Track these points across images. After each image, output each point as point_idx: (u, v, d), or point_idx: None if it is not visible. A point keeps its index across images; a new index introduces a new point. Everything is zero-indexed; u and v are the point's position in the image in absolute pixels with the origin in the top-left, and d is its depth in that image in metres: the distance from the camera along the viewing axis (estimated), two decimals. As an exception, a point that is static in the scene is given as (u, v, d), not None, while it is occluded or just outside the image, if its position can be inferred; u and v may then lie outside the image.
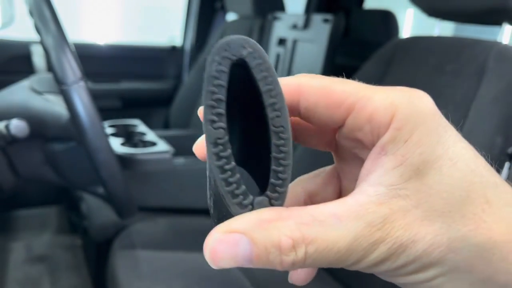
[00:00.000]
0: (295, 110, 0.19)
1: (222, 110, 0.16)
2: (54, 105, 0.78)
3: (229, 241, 0.16)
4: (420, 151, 0.16)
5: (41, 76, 0.86)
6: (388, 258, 0.16)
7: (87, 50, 1.64)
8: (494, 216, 0.16)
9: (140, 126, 1.10)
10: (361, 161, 0.19)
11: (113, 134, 1.03)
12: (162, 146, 0.95)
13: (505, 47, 0.72)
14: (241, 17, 1.69)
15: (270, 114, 0.16)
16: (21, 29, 1.13)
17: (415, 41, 0.88)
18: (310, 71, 1.35)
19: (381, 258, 0.16)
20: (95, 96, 0.71)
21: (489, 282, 0.16)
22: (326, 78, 0.18)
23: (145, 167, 0.89)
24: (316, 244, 0.16)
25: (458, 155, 0.17)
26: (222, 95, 0.16)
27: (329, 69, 1.23)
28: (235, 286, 0.80)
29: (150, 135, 1.04)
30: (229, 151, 0.16)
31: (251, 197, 0.16)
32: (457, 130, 0.18)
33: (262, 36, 1.51)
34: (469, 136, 0.82)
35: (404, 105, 0.17)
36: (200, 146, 0.20)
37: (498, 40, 0.78)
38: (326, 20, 1.25)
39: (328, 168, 0.23)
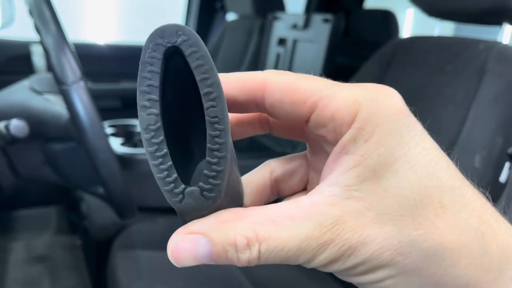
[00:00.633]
0: (261, 106, 0.19)
1: (155, 96, 0.16)
2: (54, 105, 0.78)
3: (189, 242, 0.17)
4: (379, 152, 0.16)
5: (41, 76, 0.86)
6: (337, 259, 0.16)
7: (87, 50, 1.64)
8: (447, 221, 0.16)
9: None
10: (327, 156, 0.18)
11: (113, 134, 1.03)
12: None
13: (505, 47, 0.72)
14: (241, 17, 1.69)
15: (205, 104, 0.15)
16: (21, 29, 1.13)
17: (415, 41, 0.88)
18: (310, 71, 1.36)
19: (330, 259, 0.16)
20: (95, 96, 0.71)
21: (438, 286, 0.16)
22: (293, 74, 0.18)
23: (145, 167, 0.89)
24: (268, 243, 0.16)
25: (417, 157, 0.16)
26: (155, 82, 0.16)
27: (329, 69, 1.23)
28: (235, 287, 0.80)
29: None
30: (161, 137, 0.15)
31: (182, 185, 0.16)
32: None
33: (262, 36, 1.51)
34: (469, 136, 0.82)
35: (368, 103, 0.16)
36: None
37: (498, 40, 0.78)
38: (326, 20, 1.25)
39: (301, 154, 0.23)
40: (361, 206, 0.16)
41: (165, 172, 0.15)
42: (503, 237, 0.16)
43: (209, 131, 0.15)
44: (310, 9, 1.59)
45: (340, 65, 1.36)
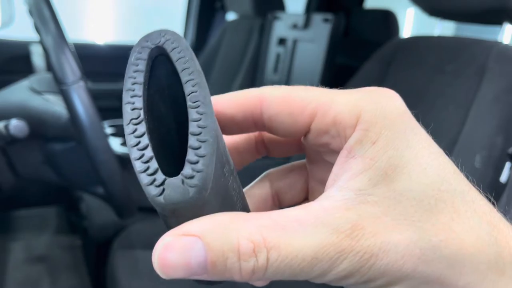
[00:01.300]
0: (259, 123, 0.18)
1: (139, 92, 0.16)
2: (54, 105, 0.78)
3: (181, 246, 0.14)
4: (389, 154, 0.15)
5: (41, 76, 0.86)
6: (358, 271, 0.14)
7: (87, 50, 1.64)
8: (463, 226, 0.15)
9: None
10: (329, 165, 0.18)
11: (113, 134, 1.03)
12: None
13: (506, 47, 0.72)
14: (241, 17, 1.68)
15: (187, 90, 0.15)
16: (21, 29, 1.13)
17: (416, 41, 0.88)
18: (310, 71, 1.36)
19: (349, 271, 0.14)
20: (95, 96, 0.70)
21: None
22: (288, 87, 0.18)
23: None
24: (279, 249, 0.14)
25: (427, 161, 0.16)
26: (139, 79, 0.16)
27: (329, 69, 1.23)
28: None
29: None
30: (143, 131, 0.15)
31: (163, 177, 0.14)
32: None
33: (262, 35, 1.51)
34: (469, 136, 0.82)
35: (370, 106, 0.16)
36: None
37: (499, 39, 0.78)
38: (326, 20, 1.25)
39: (299, 163, 0.23)
40: (377, 210, 0.15)
41: (145, 165, 0.15)
42: None
43: (190, 117, 0.15)
44: (310, 9, 1.59)
45: (340, 65, 1.36)
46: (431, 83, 0.80)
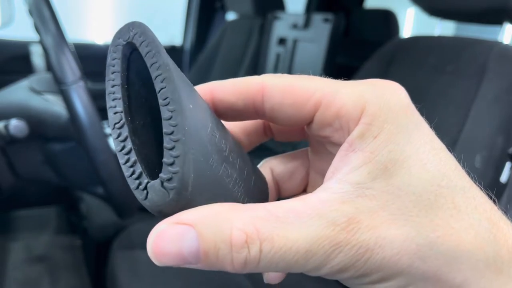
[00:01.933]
0: (260, 111, 0.18)
1: (118, 95, 0.16)
2: (54, 105, 0.78)
3: (174, 234, 0.14)
4: (389, 148, 0.15)
5: (41, 76, 0.86)
6: (353, 265, 0.14)
7: (87, 50, 1.64)
8: (462, 223, 0.15)
9: None
10: (331, 157, 0.17)
11: (112, 134, 1.03)
12: None
13: (506, 47, 0.72)
14: (241, 17, 1.68)
15: (157, 86, 0.14)
16: (21, 29, 1.13)
17: (416, 41, 0.88)
18: (310, 70, 1.36)
19: (343, 264, 0.14)
20: (95, 96, 0.70)
21: None
22: (290, 76, 0.17)
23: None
24: (273, 241, 0.14)
25: (428, 156, 0.15)
26: (117, 81, 0.16)
27: (329, 69, 1.23)
28: (235, 287, 0.79)
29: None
30: (125, 135, 0.15)
31: (146, 180, 0.14)
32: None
33: (262, 35, 1.51)
34: (470, 136, 0.82)
35: (375, 99, 0.16)
36: None
37: (499, 39, 0.78)
38: (326, 20, 1.25)
39: (301, 152, 0.22)
40: (375, 204, 0.15)
41: (131, 169, 0.15)
42: None
43: (163, 115, 0.14)
44: (310, 9, 1.59)
45: (340, 65, 1.36)
46: (431, 83, 0.79)
